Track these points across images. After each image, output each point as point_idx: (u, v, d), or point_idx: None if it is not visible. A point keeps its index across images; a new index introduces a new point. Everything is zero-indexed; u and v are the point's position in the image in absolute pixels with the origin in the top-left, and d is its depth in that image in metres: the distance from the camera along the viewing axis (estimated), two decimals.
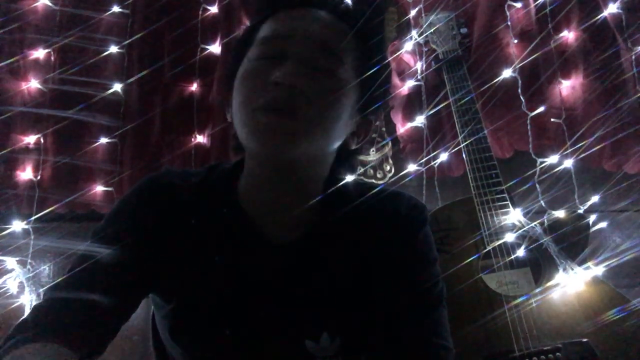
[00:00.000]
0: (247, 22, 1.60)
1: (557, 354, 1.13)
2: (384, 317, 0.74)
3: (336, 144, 0.77)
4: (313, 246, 0.76)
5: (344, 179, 0.82)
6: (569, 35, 1.74)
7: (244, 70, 0.74)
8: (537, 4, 1.74)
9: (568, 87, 1.72)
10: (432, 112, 1.67)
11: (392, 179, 1.72)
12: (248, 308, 0.75)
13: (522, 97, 1.59)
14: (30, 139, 1.64)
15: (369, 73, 0.77)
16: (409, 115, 1.75)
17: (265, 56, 0.73)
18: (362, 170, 1.73)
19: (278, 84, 0.68)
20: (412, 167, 1.65)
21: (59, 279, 0.72)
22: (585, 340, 1.14)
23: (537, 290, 1.24)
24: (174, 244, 0.76)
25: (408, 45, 1.75)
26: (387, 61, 0.83)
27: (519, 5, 1.75)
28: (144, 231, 0.75)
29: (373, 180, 1.73)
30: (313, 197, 0.77)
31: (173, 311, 0.77)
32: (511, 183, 1.42)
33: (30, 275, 1.50)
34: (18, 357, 0.61)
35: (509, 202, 1.34)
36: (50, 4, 1.72)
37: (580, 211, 1.47)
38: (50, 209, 1.55)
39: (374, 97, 0.80)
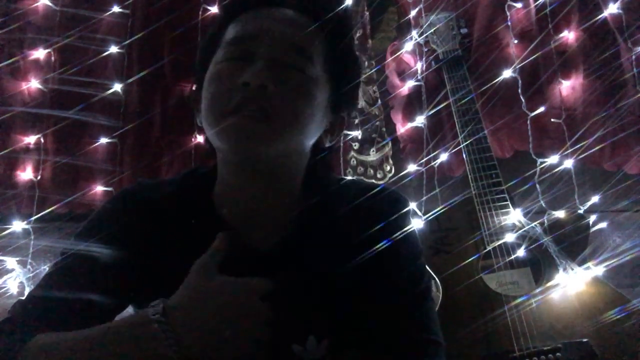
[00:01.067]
0: None
1: (557, 354, 1.13)
2: (370, 314, 0.73)
3: (310, 142, 0.76)
4: (296, 249, 0.74)
5: (322, 177, 0.81)
6: (569, 35, 1.74)
7: (211, 73, 0.73)
8: (537, 4, 1.74)
9: (568, 87, 1.72)
10: (432, 112, 1.67)
11: (392, 179, 1.72)
12: None
13: (522, 97, 1.60)
14: (30, 139, 1.64)
15: (339, 70, 0.76)
16: (409, 115, 1.75)
17: (232, 58, 0.71)
18: (362, 170, 1.73)
19: (247, 84, 0.67)
20: (412, 167, 1.65)
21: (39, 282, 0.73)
22: (585, 340, 1.14)
23: (537, 290, 1.24)
24: (154, 258, 0.73)
25: (408, 45, 1.75)
26: (357, 58, 0.82)
27: (519, 5, 1.75)
28: (118, 247, 0.73)
29: (373, 180, 1.73)
30: (290, 198, 0.77)
31: None
32: (511, 183, 1.42)
33: (30, 275, 1.50)
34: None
35: (509, 202, 1.34)
36: (50, 4, 1.72)
37: (580, 211, 1.48)
38: (50, 209, 1.55)
39: (346, 94, 0.79)
